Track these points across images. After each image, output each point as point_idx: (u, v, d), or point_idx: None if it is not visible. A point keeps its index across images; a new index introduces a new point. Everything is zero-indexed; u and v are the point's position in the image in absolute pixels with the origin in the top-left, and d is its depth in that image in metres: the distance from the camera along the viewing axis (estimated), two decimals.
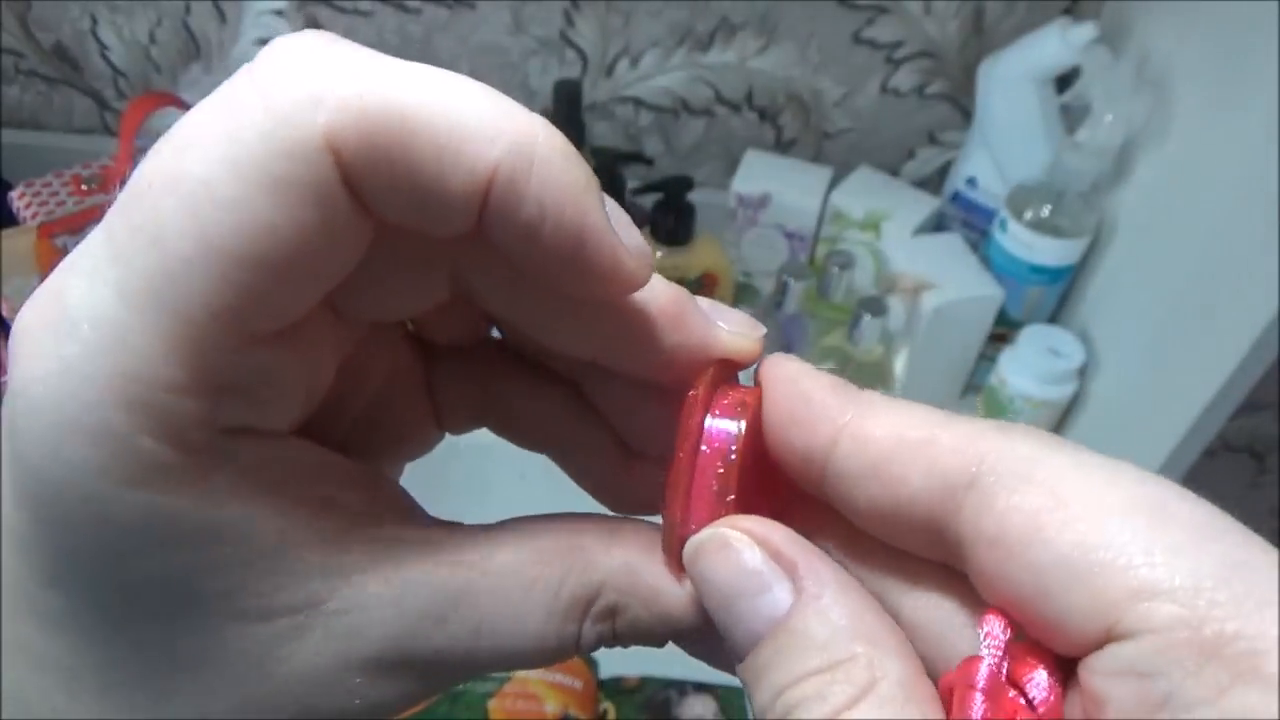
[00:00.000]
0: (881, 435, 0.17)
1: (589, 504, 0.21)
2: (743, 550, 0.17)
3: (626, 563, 0.18)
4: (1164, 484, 0.15)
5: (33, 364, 0.14)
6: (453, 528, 0.19)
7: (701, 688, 0.67)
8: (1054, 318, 0.82)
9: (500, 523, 0.19)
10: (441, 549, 0.18)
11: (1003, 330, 0.80)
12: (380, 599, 0.17)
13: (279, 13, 0.87)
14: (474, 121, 0.14)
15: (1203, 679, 0.13)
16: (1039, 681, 0.15)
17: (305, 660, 0.17)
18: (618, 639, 0.18)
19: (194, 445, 0.15)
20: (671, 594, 0.18)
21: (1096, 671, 0.14)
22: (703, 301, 0.19)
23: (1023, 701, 0.15)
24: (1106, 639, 0.14)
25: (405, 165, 0.14)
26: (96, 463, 0.14)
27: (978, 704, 0.15)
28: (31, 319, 0.15)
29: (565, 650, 0.18)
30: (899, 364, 0.82)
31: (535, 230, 0.15)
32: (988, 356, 0.82)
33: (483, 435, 0.22)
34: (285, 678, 0.16)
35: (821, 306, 0.83)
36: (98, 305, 0.14)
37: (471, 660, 0.17)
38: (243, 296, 0.14)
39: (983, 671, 0.15)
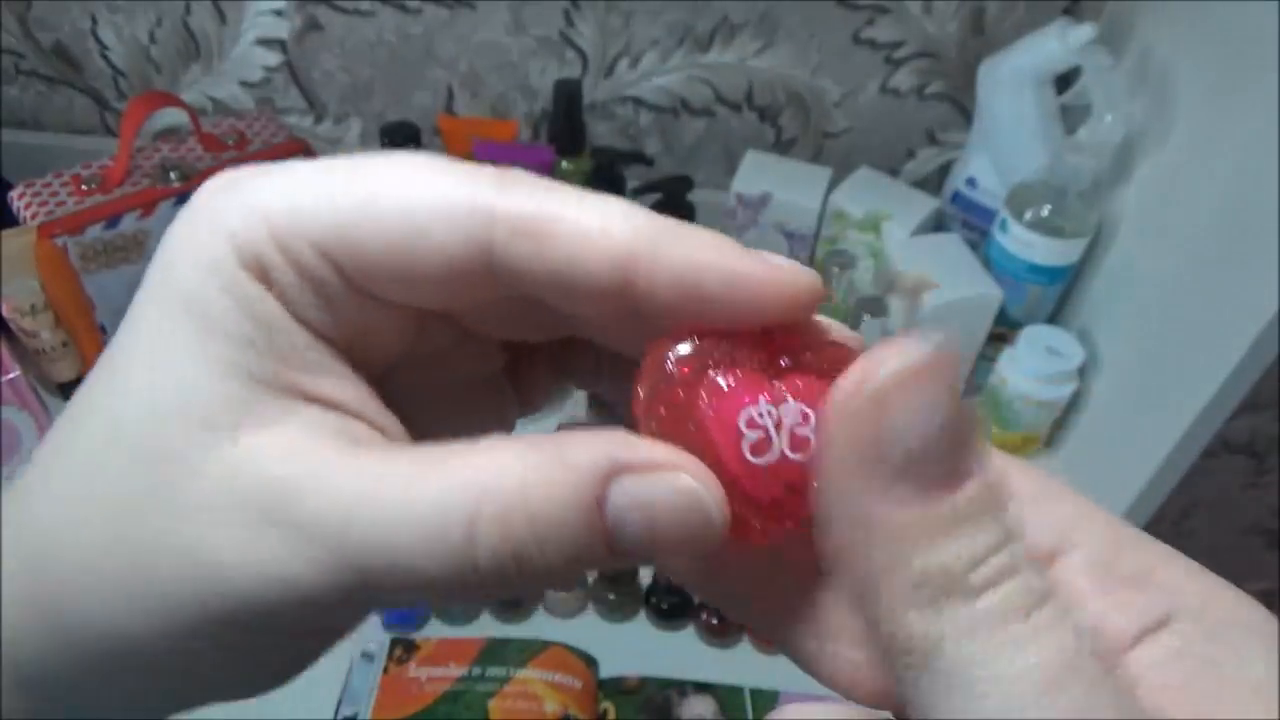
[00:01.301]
0: None
1: None
2: (945, 396, 0.15)
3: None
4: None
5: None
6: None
7: (701, 688, 0.67)
8: (1054, 318, 0.82)
9: None
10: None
11: (1002, 330, 0.80)
12: (273, 450, 0.17)
13: (279, 13, 0.87)
14: (597, 221, 0.17)
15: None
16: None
17: (207, 480, 0.17)
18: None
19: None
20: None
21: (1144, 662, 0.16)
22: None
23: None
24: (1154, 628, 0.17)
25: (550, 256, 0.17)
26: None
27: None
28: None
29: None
30: None
31: (681, 285, 0.17)
32: (988, 356, 0.82)
33: None
34: (186, 492, 0.17)
35: (821, 307, 0.82)
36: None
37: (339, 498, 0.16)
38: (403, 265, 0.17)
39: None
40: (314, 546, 0.16)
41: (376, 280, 0.17)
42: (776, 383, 0.17)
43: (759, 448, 0.16)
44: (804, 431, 0.17)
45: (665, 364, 0.17)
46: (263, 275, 0.17)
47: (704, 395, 0.17)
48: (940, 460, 0.15)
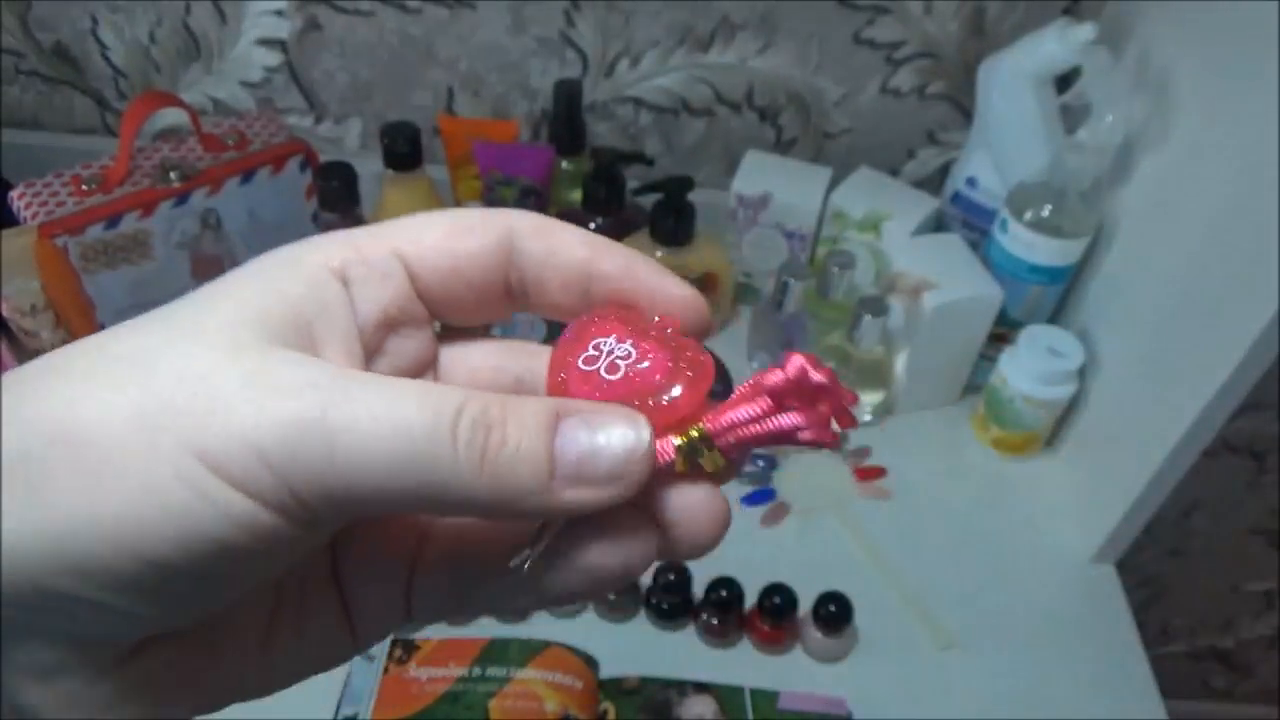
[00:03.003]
0: None
1: None
2: None
3: None
4: None
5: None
6: None
7: (701, 688, 0.67)
8: (1054, 318, 0.82)
9: None
10: None
11: (1003, 330, 0.80)
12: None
13: (279, 13, 0.87)
14: (470, 218, 0.23)
15: None
16: None
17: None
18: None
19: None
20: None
21: None
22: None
23: None
24: None
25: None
26: None
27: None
28: None
29: None
30: (899, 364, 0.82)
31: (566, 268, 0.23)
32: (988, 356, 0.82)
33: None
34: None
35: (822, 306, 0.83)
36: None
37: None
38: None
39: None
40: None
41: (435, 261, 0.23)
42: (629, 333, 0.23)
43: (589, 360, 0.22)
44: (620, 363, 0.22)
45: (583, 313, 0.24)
46: (342, 276, 0.22)
47: (584, 323, 0.23)
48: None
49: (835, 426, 0.22)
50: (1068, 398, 0.77)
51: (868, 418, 0.84)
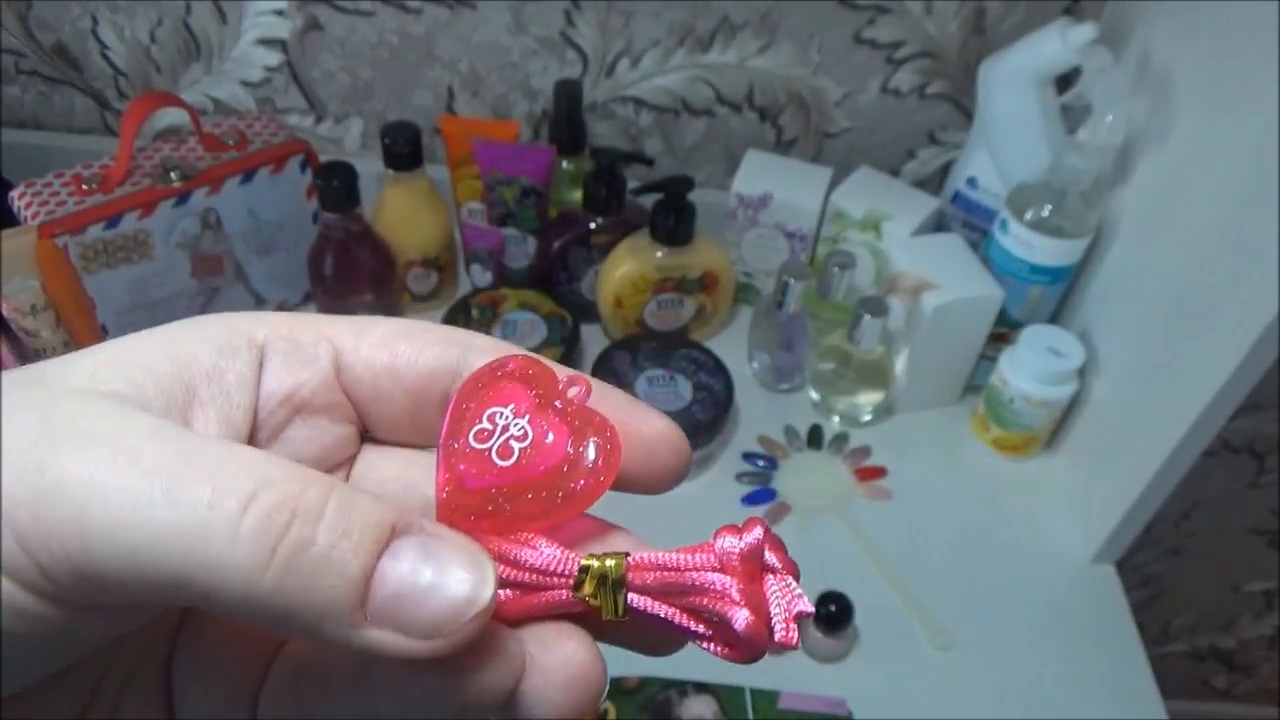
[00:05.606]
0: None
1: None
2: None
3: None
4: None
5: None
6: None
7: (701, 688, 0.67)
8: (1054, 318, 0.82)
9: None
10: None
11: (1003, 330, 0.80)
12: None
13: (279, 13, 0.87)
14: (425, 325, 0.22)
15: None
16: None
17: None
18: None
19: None
20: None
21: None
22: None
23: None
24: None
25: None
26: None
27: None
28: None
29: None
30: (899, 364, 0.82)
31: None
32: (988, 356, 0.82)
33: None
34: None
35: (822, 306, 0.83)
36: None
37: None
38: None
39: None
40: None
41: (372, 355, 0.21)
42: (529, 403, 0.19)
43: (482, 436, 0.19)
44: (515, 444, 0.19)
45: (491, 365, 0.20)
46: (262, 349, 0.20)
47: (484, 380, 0.20)
48: None
49: (781, 631, 0.18)
50: (1068, 398, 0.77)
51: (868, 418, 0.84)
